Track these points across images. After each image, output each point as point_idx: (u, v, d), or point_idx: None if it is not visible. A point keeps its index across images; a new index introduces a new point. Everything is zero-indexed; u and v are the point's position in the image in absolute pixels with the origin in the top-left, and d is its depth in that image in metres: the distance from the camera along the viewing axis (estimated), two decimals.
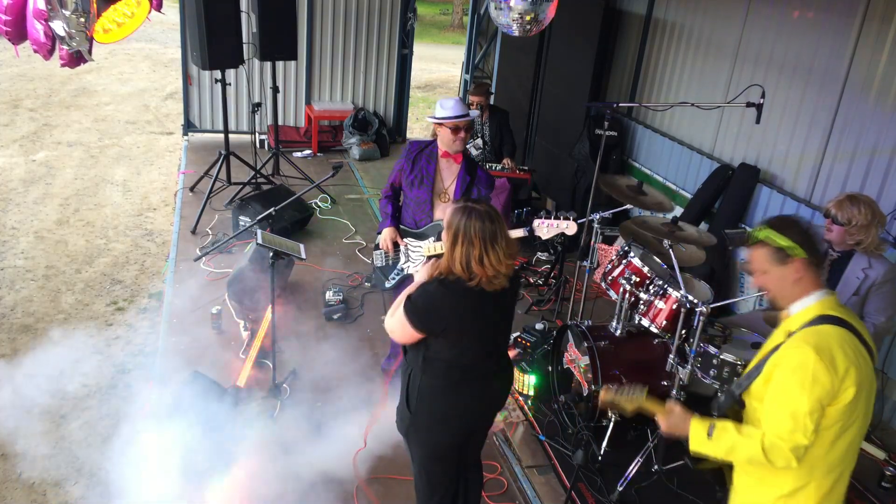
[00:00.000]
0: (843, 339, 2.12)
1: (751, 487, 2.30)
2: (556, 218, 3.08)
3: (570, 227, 3.05)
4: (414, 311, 2.57)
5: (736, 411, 2.35)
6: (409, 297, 2.59)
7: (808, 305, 2.21)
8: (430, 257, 2.85)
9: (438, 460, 2.83)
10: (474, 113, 3.81)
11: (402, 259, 3.93)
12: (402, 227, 3.94)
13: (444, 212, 3.72)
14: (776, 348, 2.20)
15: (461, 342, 2.63)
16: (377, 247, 4.00)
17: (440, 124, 3.69)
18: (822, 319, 2.16)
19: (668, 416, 2.34)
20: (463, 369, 2.67)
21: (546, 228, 3.02)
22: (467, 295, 2.53)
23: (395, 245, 3.93)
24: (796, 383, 2.07)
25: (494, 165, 6.15)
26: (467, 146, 4.75)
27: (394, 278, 3.95)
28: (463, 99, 7.78)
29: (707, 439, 2.21)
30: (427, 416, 2.72)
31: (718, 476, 3.60)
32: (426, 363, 2.67)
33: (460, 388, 2.70)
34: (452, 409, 2.72)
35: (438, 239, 3.73)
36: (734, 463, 2.28)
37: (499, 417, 4.05)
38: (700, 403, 3.92)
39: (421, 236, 3.88)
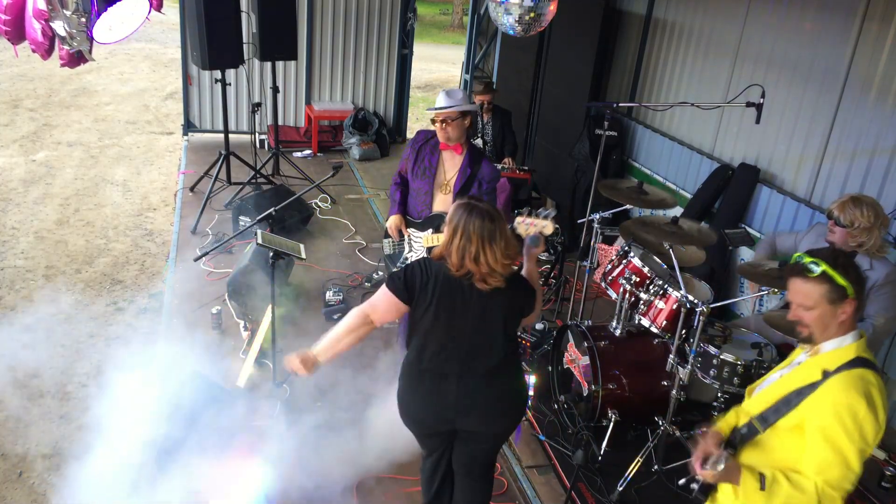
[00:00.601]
0: (881, 387, 2.10)
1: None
2: (536, 216, 3.08)
3: (547, 227, 3.04)
4: (392, 276, 2.67)
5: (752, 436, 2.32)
6: (389, 273, 2.71)
7: (845, 345, 2.16)
8: (428, 249, 2.85)
9: (418, 438, 2.92)
10: (470, 106, 3.73)
11: (406, 248, 3.94)
12: (407, 216, 3.96)
13: (443, 203, 3.75)
14: (812, 386, 2.13)
15: (429, 326, 2.64)
16: (386, 234, 4.02)
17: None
18: (861, 363, 2.11)
19: (722, 472, 2.20)
20: (422, 361, 2.70)
21: (525, 227, 3.03)
22: (445, 277, 2.58)
23: (402, 233, 3.95)
24: (844, 431, 2.03)
25: (495, 165, 6.14)
26: None
27: (400, 266, 3.94)
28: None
29: (759, 491, 2.14)
30: (400, 397, 2.82)
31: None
32: (408, 347, 2.76)
33: (414, 381, 2.77)
34: (408, 400, 2.80)
35: (437, 230, 3.74)
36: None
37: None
38: (699, 409, 3.95)
39: (422, 226, 3.88)
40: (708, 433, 2.37)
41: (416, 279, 2.62)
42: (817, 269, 2.12)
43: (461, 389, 2.69)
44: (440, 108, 3.66)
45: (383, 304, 2.68)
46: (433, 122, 3.71)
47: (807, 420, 2.11)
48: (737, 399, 3.92)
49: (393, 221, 3.92)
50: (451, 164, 3.81)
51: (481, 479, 2.99)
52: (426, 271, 2.63)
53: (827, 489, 2.07)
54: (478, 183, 3.72)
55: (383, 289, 2.67)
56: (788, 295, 2.24)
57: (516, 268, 2.78)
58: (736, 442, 2.36)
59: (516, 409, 2.85)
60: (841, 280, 2.10)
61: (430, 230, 3.76)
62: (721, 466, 2.14)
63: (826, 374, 2.12)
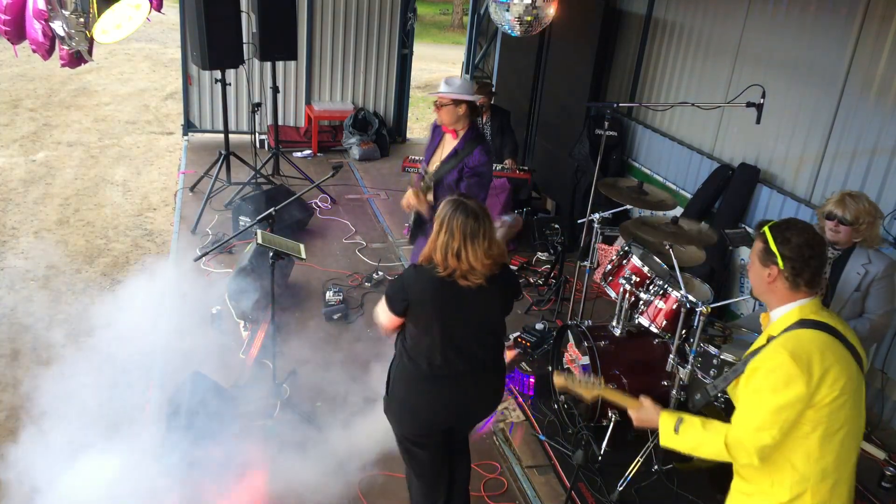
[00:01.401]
0: (822, 342, 2.13)
1: (745, 498, 2.29)
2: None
3: (516, 223, 3.08)
4: (388, 290, 2.75)
5: (715, 410, 2.38)
6: (387, 290, 2.74)
7: (787, 311, 2.23)
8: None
9: (412, 445, 2.91)
10: (465, 95, 3.84)
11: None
12: None
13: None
14: (756, 352, 2.22)
15: (428, 331, 2.68)
16: None
17: None
18: (802, 324, 2.18)
19: (639, 410, 2.38)
20: (429, 365, 2.72)
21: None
22: (434, 281, 2.62)
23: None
24: (768, 385, 2.10)
25: (496, 165, 6.15)
26: None
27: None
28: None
29: (674, 434, 2.25)
30: (397, 405, 2.84)
31: (718, 480, 3.61)
32: (402, 352, 2.78)
33: (423, 386, 2.77)
34: (416, 404, 2.81)
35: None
36: (704, 458, 2.28)
37: (497, 416, 4.06)
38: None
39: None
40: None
41: (403, 292, 2.69)
42: (762, 229, 2.27)
43: (475, 386, 2.81)
44: (435, 93, 3.92)
45: (386, 320, 2.78)
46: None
47: (746, 380, 2.19)
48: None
49: (408, 193, 4.00)
50: (448, 146, 3.97)
51: (466, 446, 3.16)
52: (415, 280, 2.69)
53: (740, 437, 2.12)
54: (461, 166, 3.82)
55: (382, 305, 2.78)
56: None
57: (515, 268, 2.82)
58: (693, 409, 2.45)
59: (498, 401, 3.03)
60: (773, 246, 2.21)
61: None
62: (592, 384, 2.46)
63: (769, 339, 2.21)
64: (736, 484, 2.34)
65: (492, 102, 6.52)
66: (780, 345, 2.13)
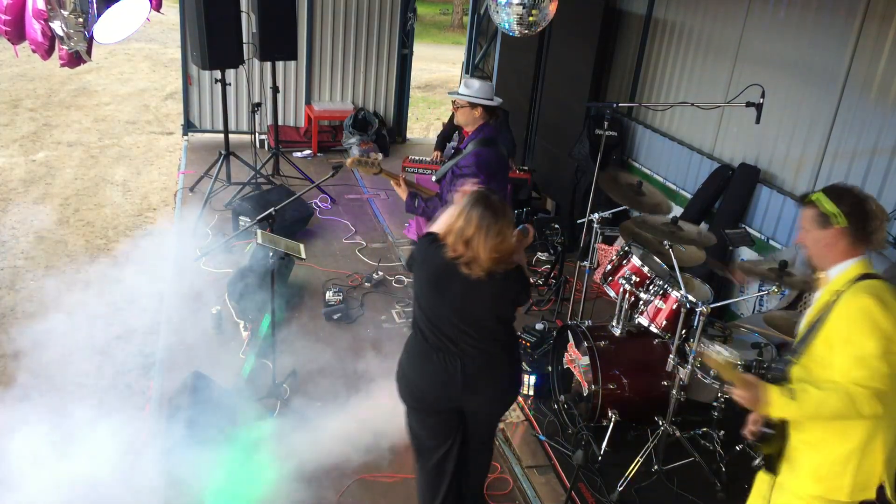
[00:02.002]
0: (891, 289, 2.22)
1: (813, 448, 2.32)
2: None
3: (528, 235, 3.10)
4: (414, 247, 2.98)
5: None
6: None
7: (847, 267, 2.29)
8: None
9: (410, 416, 3.01)
10: (481, 100, 3.87)
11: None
12: None
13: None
14: (828, 307, 2.25)
15: (418, 301, 2.84)
16: None
17: None
18: (866, 276, 2.25)
19: (749, 388, 2.29)
20: (423, 336, 2.84)
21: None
22: (437, 257, 2.71)
23: None
24: (861, 331, 2.14)
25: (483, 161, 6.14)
26: None
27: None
28: None
29: (791, 401, 2.22)
30: (399, 369, 2.97)
31: (720, 474, 3.61)
32: (412, 320, 2.92)
33: (415, 355, 2.90)
34: (408, 371, 2.92)
35: None
36: (815, 419, 2.30)
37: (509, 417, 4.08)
38: (699, 409, 3.95)
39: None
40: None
41: (416, 254, 2.90)
42: (811, 196, 2.33)
43: (461, 368, 2.82)
44: (453, 94, 3.99)
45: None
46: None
47: (830, 335, 2.22)
48: None
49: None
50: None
51: (489, 440, 3.22)
52: (426, 249, 2.80)
53: (856, 388, 2.13)
54: (456, 166, 3.87)
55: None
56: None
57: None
58: (771, 379, 2.43)
59: (511, 394, 3.07)
60: (827, 206, 2.26)
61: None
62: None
63: (838, 294, 2.25)
64: (799, 436, 2.35)
65: None
66: (858, 291, 2.19)
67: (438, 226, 2.81)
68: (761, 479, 2.55)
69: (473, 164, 3.80)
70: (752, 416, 2.38)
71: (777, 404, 2.25)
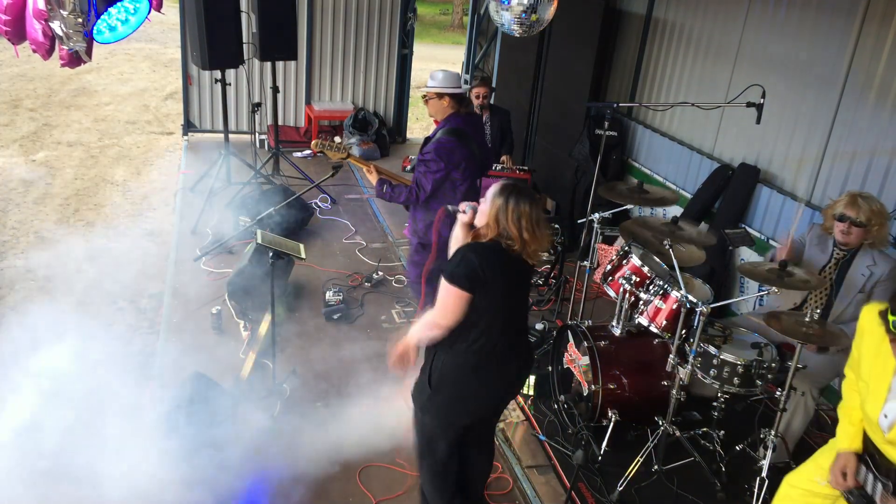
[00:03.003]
0: None
1: None
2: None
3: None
4: (456, 274, 2.66)
5: None
6: (447, 273, 2.68)
7: None
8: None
9: (447, 438, 2.92)
10: (447, 88, 4.06)
11: None
12: None
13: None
14: None
15: (495, 309, 2.73)
16: None
17: None
18: None
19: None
20: (484, 350, 2.75)
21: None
22: (503, 255, 2.70)
23: None
24: None
25: (495, 165, 6.15)
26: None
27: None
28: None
29: None
30: (447, 396, 2.82)
31: (720, 474, 3.61)
32: (452, 343, 2.75)
33: (481, 372, 2.80)
34: (472, 391, 2.83)
35: None
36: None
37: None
38: (699, 409, 3.95)
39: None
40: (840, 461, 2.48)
41: (479, 271, 2.66)
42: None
43: (520, 370, 2.96)
44: (422, 88, 4.21)
45: (455, 305, 2.67)
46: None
47: None
48: (737, 399, 3.93)
49: None
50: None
51: (491, 439, 3.27)
52: (490, 258, 2.70)
53: None
54: (420, 153, 4.07)
55: (449, 289, 2.67)
56: None
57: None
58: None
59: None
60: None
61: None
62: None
63: None
64: None
65: (491, 100, 6.51)
66: None
67: (479, 222, 2.78)
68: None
69: (433, 151, 3.97)
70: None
71: None
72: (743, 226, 5.18)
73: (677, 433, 3.63)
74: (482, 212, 2.76)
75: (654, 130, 6.41)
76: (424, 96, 4.16)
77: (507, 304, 2.78)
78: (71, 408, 3.94)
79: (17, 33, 3.33)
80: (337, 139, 3.93)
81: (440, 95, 4.07)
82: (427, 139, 4.15)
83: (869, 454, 2.48)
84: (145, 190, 8.56)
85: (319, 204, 7.06)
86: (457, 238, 2.92)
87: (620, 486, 3.51)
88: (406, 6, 8.93)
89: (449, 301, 2.67)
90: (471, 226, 2.85)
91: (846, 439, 2.54)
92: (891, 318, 2.25)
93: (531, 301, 5.40)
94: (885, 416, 2.40)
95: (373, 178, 4.12)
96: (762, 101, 4.06)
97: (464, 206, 2.89)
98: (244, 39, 6.71)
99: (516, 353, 2.90)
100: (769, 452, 3.28)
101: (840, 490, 2.48)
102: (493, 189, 2.75)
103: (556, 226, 5.66)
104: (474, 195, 4.23)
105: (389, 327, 5.05)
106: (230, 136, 6.90)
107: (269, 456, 3.61)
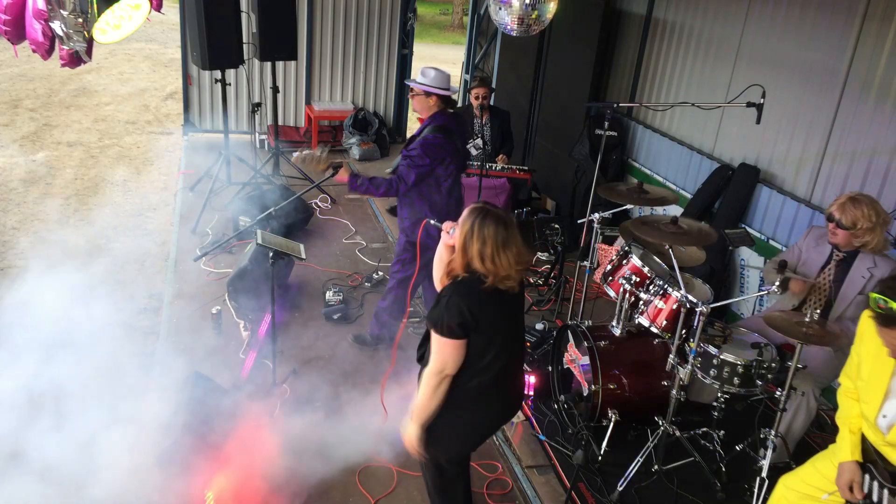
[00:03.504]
0: None
1: None
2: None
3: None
4: (449, 327, 2.56)
5: None
6: (437, 325, 2.58)
7: None
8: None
9: (448, 465, 2.90)
10: (434, 88, 4.04)
11: None
12: None
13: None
14: None
15: (490, 345, 2.64)
16: None
17: None
18: None
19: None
20: (482, 383, 2.68)
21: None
22: (484, 292, 2.58)
23: None
24: None
25: (494, 166, 6.15)
26: (467, 146, 5.10)
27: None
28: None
29: None
30: (446, 428, 2.75)
31: (720, 474, 3.61)
32: (464, 378, 2.67)
33: (481, 403, 2.74)
34: (473, 422, 2.80)
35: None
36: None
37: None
38: (699, 409, 3.95)
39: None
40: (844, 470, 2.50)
41: (463, 313, 2.56)
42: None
43: (518, 397, 2.93)
44: (410, 82, 4.16)
45: (453, 354, 2.61)
46: None
47: None
48: (737, 399, 3.93)
49: None
50: None
51: None
52: (466, 297, 2.58)
53: None
54: (405, 149, 4.06)
55: (444, 342, 2.59)
56: (887, 339, 2.31)
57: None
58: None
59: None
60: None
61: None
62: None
63: None
64: None
65: (491, 100, 6.51)
66: None
67: (446, 259, 2.71)
68: None
69: (419, 147, 3.97)
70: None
71: None
72: (743, 226, 5.18)
73: (677, 433, 3.63)
74: (455, 236, 2.66)
75: (654, 130, 6.41)
76: (411, 90, 4.12)
77: (501, 339, 2.69)
78: (71, 408, 3.95)
79: (17, 33, 3.33)
80: (316, 151, 3.89)
81: (428, 94, 4.05)
82: (412, 137, 4.15)
83: (871, 462, 2.48)
84: (145, 190, 8.56)
85: (319, 204, 7.06)
86: (440, 258, 2.83)
87: (620, 486, 3.51)
88: (406, 6, 8.93)
89: (447, 351, 2.60)
90: (454, 248, 2.72)
91: (848, 449, 2.54)
92: (872, 295, 2.25)
93: (528, 305, 5.41)
94: (884, 417, 2.40)
95: (344, 175, 3.98)
96: (762, 101, 4.06)
97: (448, 226, 2.78)
98: (244, 39, 6.71)
99: (501, 389, 2.78)
100: (769, 452, 3.28)
101: (851, 501, 2.49)
102: (464, 213, 2.67)
103: (556, 226, 5.66)
104: (458, 191, 4.29)
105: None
106: (230, 136, 6.90)
107: (269, 456, 3.61)
